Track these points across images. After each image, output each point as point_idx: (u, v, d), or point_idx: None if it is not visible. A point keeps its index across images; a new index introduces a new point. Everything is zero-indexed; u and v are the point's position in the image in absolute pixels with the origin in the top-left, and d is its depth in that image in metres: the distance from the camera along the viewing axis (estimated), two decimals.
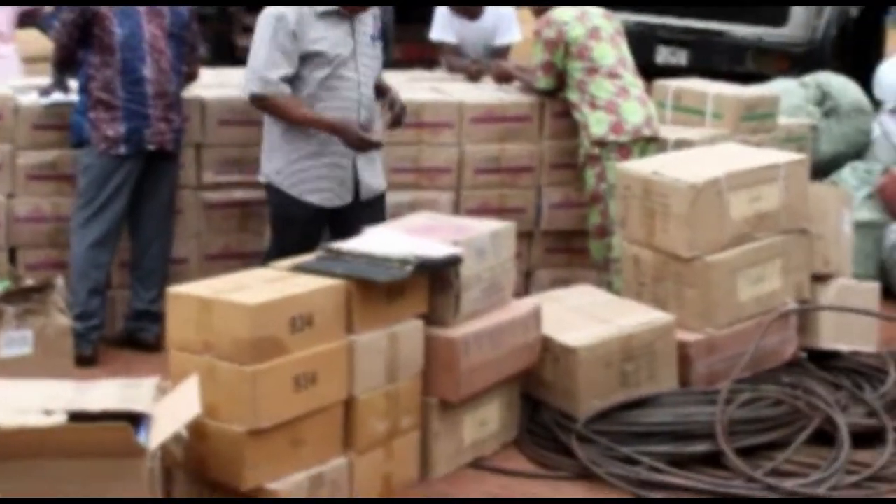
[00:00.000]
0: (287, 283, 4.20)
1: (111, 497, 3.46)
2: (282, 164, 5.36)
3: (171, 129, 5.76)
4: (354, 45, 5.30)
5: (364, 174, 5.37)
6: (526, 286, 6.51)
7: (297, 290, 4.13)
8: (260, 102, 5.32)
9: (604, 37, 6.21)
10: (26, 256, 5.94)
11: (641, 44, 9.40)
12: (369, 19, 5.39)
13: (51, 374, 4.30)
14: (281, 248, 5.17)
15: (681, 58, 9.80)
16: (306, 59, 5.21)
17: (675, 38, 9.75)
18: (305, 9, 5.19)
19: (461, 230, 4.75)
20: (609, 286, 5.96)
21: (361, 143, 5.21)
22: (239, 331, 3.97)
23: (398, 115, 5.47)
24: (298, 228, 5.34)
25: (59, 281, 5.07)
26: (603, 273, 6.24)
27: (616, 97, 6.10)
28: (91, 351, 5.72)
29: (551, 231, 6.58)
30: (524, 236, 6.52)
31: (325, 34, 5.22)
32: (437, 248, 4.47)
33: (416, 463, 4.59)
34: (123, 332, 5.99)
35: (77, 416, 3.68)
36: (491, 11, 7.23)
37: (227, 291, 4.08)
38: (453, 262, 4.48)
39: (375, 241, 4.53)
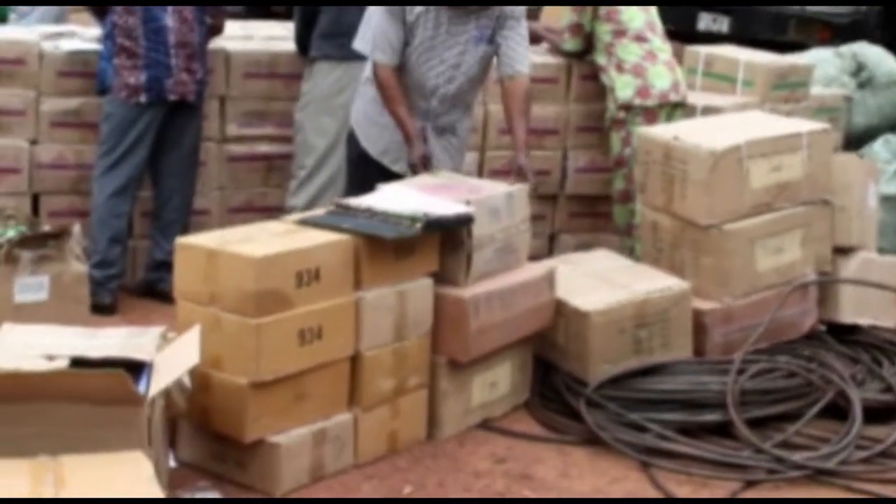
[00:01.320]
0: (295, 236, 4.19)
1: (110, 451, 3.46)
2: (362, 118, 5.26)
3: (193, 80, 5.74)
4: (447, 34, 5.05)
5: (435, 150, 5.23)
6: (549, 250, 6.48)
7: (304, 244, 4.11)
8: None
9: None
10: (49, 203, 5.96)
11: (683, 10, 9.31)
12: (475, 20, 5.05)
13: (66, 321, 4.32)
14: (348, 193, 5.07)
15: (722, 25, 9.67)
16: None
17: (718, 5, 9.63)
18: None
19: (476, 190, 4.71)
20: (631, 252, 5.93)
21: (412, 165, 5.05)
22: (244, 283, 3.96)
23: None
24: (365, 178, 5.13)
25: (76, 228, 5.10)
26: (626, 238, 6.20)
27: (643, 61, 6.04)
28: (110, 299, 5.74)
29: (576, 195, 6.55)
30: (548, 199, 6.50)
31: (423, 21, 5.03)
32: (448, 207, 4.44)
33: (424, 422, 4.58)
34: (143, 282, 6.00)
35: (78, 363, 3.70)
36: None
37: (233, 243, 4.07)
38: (464, 222, 4.45)
39: (388, 198, 4.50)
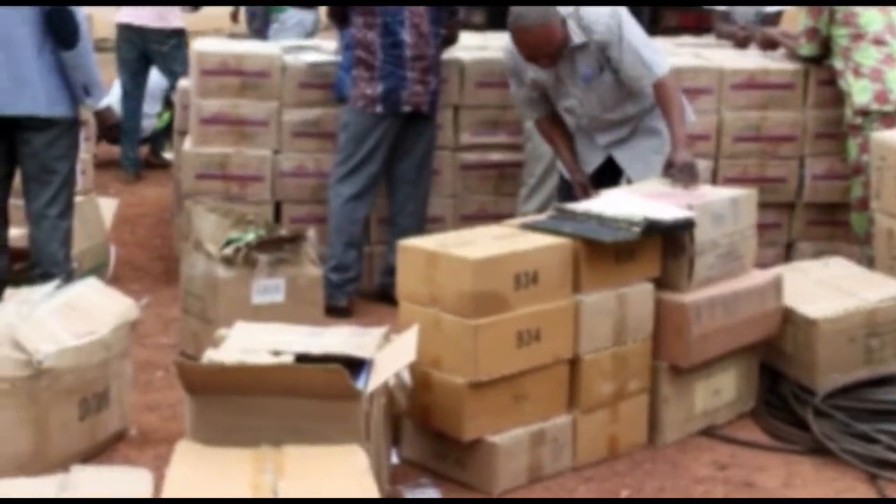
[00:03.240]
0: (514, 240, 4.25)
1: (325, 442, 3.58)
2: None
3: (427, 92, 5.88)
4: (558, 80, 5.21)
5: (615, 152, 5.34)
6: (786, 258, 6.36)
7: (522, 247, 4.17)
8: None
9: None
10: (290, 210, 6.20)
11: None
12: (578, 61, 5.14)
13: (301, 323, 4.49)
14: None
15: None
16: None
17: None
18: None
19: (699, 195, 4.68)
20: (871, 261, 5.76)
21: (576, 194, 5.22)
22: (462, 284, 4.04)
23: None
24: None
25: (311, 232, 5.31)
26: (866, 247, 6.02)
27: (881, 65, 5.87)
28: (346, 302, 5.93)
29: (814, 203, 6.40)
30: (785, 207, 6.38)
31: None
32: (670, 212, 4.43)
33: (644, 427, 4.57)
34: (378, 286, 6.17)
35: (302, 359, 3.85)
36: None
37: (453, 245, 4.16)
38: (685, 226, 4.42)
39: (609, 202, 4.52)
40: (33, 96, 4.98)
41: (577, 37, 5.04)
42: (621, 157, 5.25)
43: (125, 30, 8.37)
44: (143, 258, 6.83)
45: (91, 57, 5.06)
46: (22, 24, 4.95)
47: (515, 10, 5.03)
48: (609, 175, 5.22)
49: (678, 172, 4.85)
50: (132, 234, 7.21)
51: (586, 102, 5.18)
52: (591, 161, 5.31)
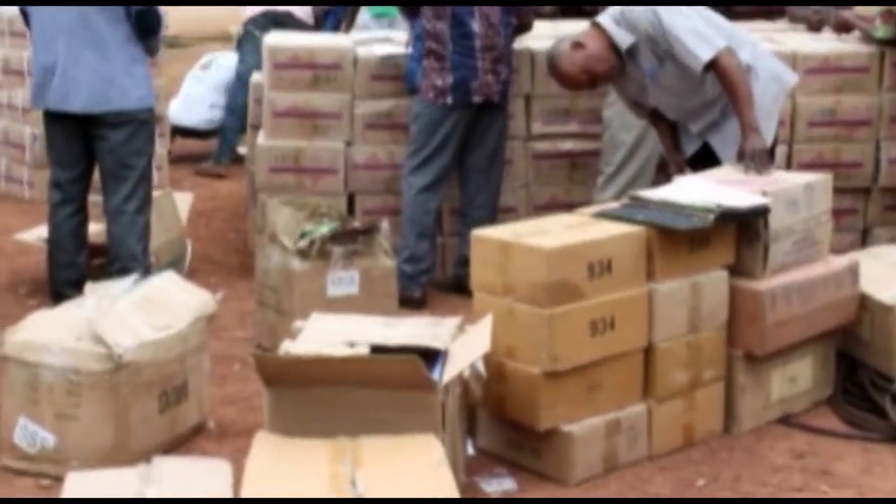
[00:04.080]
0: (587, 228, 4.25)
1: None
2: None
3: (498, 82, 5.89)
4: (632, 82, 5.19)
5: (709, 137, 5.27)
6: (862, 244, 6.30)
7: (596, 236, 4.16)
8: None
9: None
10: (364, 202, 6.24)
11: None
12: (638, 60, 5.07)
13: (375, 314, 4.52)
14: None
15: None
16: None
17: None
18: None
19: (774, 182, 4.65)
20: None
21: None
22: (536, 274, 4.04)
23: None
24: None
25: (384, 224, 5.33)
26: None
27: None
28: (420, 293, 5.95)
29: (890, 187, 6.34)
30: (860, 192, 6.32)
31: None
32: (744, 199, 4.40)
33: (720, 415, 4.54)
34: (452, 277, 6.19)
35: (377, 350, 3.88)
36: None
37: (526, 235, 4.16)
38: (760, 213, 4.39)
39: (683, 190, 4.50)
40: (121, 92, 5.09)
41: (625, 40, 4.99)
42: (715, 141, 5.16)
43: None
44: (219, 252, 6.89)
45: None
46: (112, 24, 5.05)
47: (549, 51, 5.13)
48: (708, 161, 5.13)
49: (749, 160, 4.78)
50: (207, 229, 7.29)
51: (661, 96, 5.14)
52: (688, 148, 5.25)
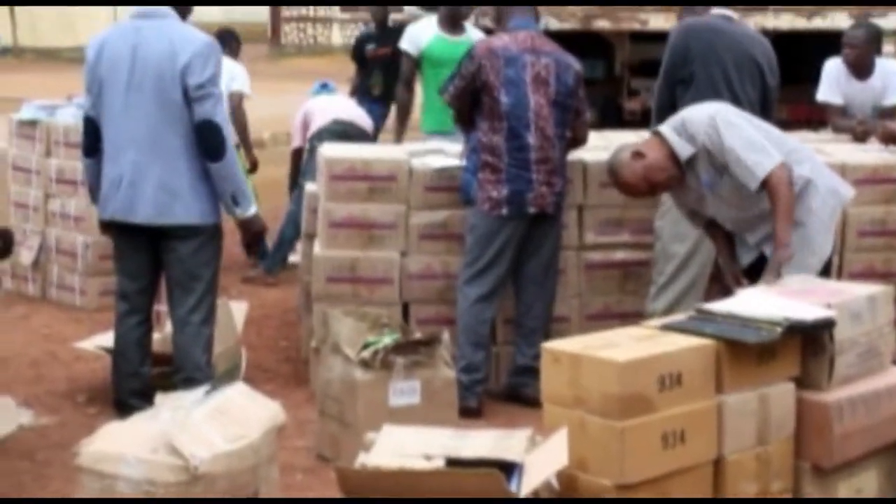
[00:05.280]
0: (656, 341, 4.28)
1: None
2: None
3: (552, 193, 5.98)
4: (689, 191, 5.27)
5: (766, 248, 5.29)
6: None
7: (666, 349, 4.20)
8: None
9: None
10: (418, 311, 6.30)
11: None
12: (695, 170, 5.17)
13: (436, 424, 4.56)
14: None
15: None
16: None
17: None
18: None
19: (836, 293, 4.69)
20: None
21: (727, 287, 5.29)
22: (608, 386, 4.07)
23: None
24: None
25: (445, 335, 5.39)
26: None
27: None
28: (475, 403, 5.98)
29: None
30: None
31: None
32: (809, 311, 4.44)
33: None
34: (507, 386, 6.23)
35: (453, 462, 3.90)
36: (879, 72, 7.11)
37: (597, 348, 4.20)
38: (826, 326, 4.43)
39: (747, 302, 4.54)
40: (185, 206, 5.17)
41: (685, 150, 5.08)
42: (771, 252, 5.24)
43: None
44: (272, 360, 6.95)
45: (238, 167, 5.24)
46: (176, 136, 5.15)
47: (608, 161, 5.24)
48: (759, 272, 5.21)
49: (772, 270, 4.96)
50: (259, 337, 7.35)
51: (719, 207, 5.22)
52: (744, 258, 5.31)
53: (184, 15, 5.41)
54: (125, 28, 5.35)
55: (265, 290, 8.47)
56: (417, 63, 7.89)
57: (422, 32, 7.79)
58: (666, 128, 5.12)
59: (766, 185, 5.01)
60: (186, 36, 5.23)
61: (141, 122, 5.20)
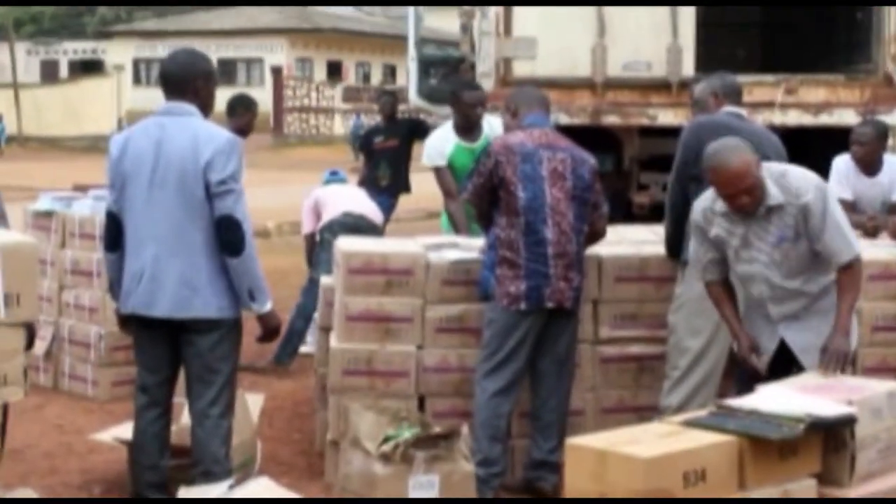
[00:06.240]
0: (680, 437, 4.31)
1: None
2: None
3: (570, 288, 6.02)
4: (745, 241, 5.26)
5: (787, 333, 5.34)
6: None
7: (690, 445, 4.22)
8: None
9: None
10: (434, 404, 6.31)
11: None
12: (774, 222, 5.18)
13: None
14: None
15: None
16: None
17: None
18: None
19: (856, 389, 4.73)
20: None
21: (744, 362, 5.30)
22: (633, 483, 4.09)
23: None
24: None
25: (464, 429, 5.41)
26: None
27: None
28: (492, 497, 5.98)
29: None
30: None
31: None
32: (830, 408, 4.48)
33: None
34: (523, 480, 6.22)
35: None
36: (887, 168, 7.20)
37: (621, 444, 4.22)
38: (847, 422, 4.47)
39: (768, 398, 4.58)
40: (205, 300, 5.21)
41: (774, 198, 5.10)
42: (794, 341, 5.27)
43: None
44: (286, 453, 6.94)
45: (256, 263, 5.28)
46: (197, 230, 5.21)
47: (711, 148, 5.15)
48: (780, 364, 5.24)
49: (831, 359, 4.98)
50: (271, 429, 7.34)
51: (772, 266, 5.21)
52: (766, 346, 5.32)
53: (206, 112, 5.49)
54: (149, 125, 5.43)
55: (277, 381, 8.48)
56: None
57: (442, 145, 7.70)
58: (764, 170, 5.12)
59: (849, 266, 5.15)
60: (209, 133, 5.31)
61: (163, 218, 5.25)
